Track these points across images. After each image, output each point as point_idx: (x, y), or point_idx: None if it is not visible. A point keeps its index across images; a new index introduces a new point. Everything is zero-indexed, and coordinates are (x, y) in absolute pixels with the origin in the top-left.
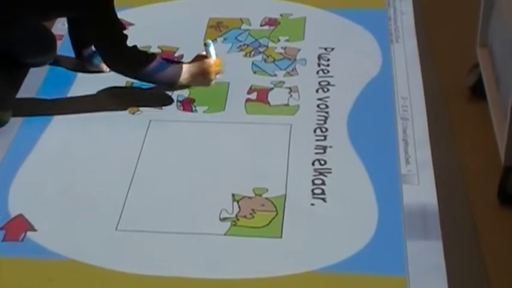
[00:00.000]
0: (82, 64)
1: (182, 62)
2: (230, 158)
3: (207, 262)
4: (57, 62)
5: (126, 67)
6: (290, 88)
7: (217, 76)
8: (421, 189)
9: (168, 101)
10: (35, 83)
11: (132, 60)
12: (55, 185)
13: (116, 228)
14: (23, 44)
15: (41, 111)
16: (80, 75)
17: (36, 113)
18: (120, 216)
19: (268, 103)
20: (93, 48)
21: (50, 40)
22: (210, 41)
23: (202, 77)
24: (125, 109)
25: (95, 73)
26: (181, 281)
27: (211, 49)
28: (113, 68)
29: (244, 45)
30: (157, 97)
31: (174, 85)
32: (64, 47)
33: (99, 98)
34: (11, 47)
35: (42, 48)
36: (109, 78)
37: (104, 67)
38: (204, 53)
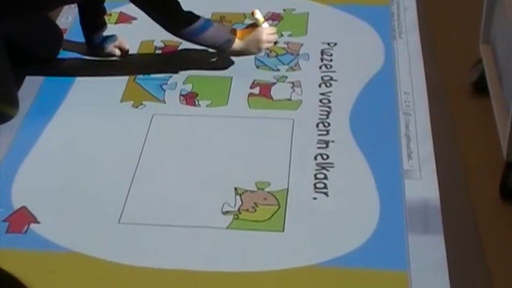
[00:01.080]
0: (93, 50)
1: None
2: (233, 152)
3: (209, 255)
4: (68, 48)
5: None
6: (293, 83)
7: (270, 45)
8: (423, 184)
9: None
10: (36, 78)
11: (185, 20)
12: (58, 177)
13: (119, 221)
14: (30, 37)
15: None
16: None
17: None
18: (123, 209)
19: (271, 98)
20: (103, 33)
21: (56, 33)
22: (256, 10)
23: (254, 42)
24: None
25: (106, 58)
26: (184, 273)
27: (259, 16)
28: (172, 32)
29: None
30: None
31: (227, 49)
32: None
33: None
34: (18, 40)
35: (49, 42)
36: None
37: (116, 51)
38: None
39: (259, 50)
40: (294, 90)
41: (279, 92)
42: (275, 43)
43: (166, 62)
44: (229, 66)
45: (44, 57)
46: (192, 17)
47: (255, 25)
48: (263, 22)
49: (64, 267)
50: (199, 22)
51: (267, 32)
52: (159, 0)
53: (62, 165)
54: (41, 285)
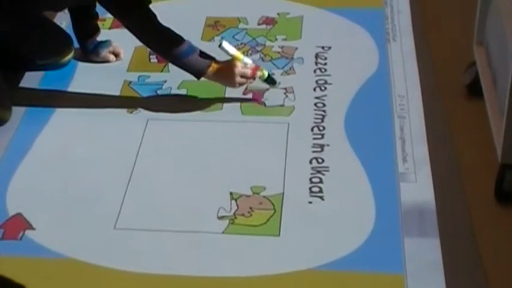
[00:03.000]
0: (87, 55)
1: (213, 58)
2: (228, 157)
3: (204, 260)
4: None
5: (158, 45)
6: (285, 89)
7: (244, 81)
8: (418, 187)
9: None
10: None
11: (164, 39)
12: (53, 183)
13: (114, 227)
14: (33, 42)
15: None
16: (78, 69)
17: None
18: (118, 214)
19: (264, 104)
20: (97, 39)
21: (64, 40)
22: (222, 40)
23: (226, 75)
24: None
25: (100, 63)
26: (179, 279)
27: (226, 47)
28: (147, 45)
29: (241, 44)
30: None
31: (202, 75)
32: None
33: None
34: (19, 45)
35: (55, 48)
36: (109, 72)
37: (111, 57)
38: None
39: (233, 85)
40: (286, 96)
41: (271, 98)
42: (272, 84)
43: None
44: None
45: (53, 63)
46: (179, 39)
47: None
48: (230, 50)
49: (60, 274)
50: (184, 46)
51: (241, 66)
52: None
53: (57, 171)
54: None
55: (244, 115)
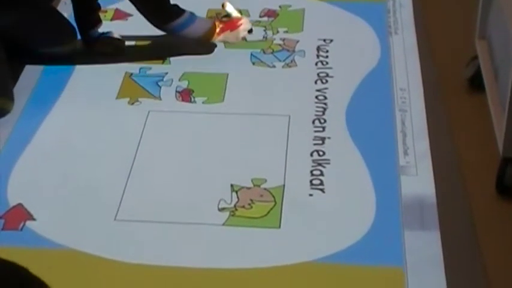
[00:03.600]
0: (89, 46)
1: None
2: (229, 149)
3: (205, 252)
4: None
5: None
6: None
7: (246, 34)
8: (419, 181)
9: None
10: (33, 74)
11: (171, 13)
12: (54, 174)
13: (115, 218)
14: (35, 32)
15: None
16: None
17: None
18: (119, 206)
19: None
20: (99, 30)
21: (68, 30)
22: (227, 2)
23: (232, 33)
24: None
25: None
26: (180, 270)
27: (229, 8)
28: (158, 25)
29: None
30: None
31: (208, 41)
32: None
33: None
34: (21, 34)
35: (58, 38)
36: (109, 68)
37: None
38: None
39: (237, 39)
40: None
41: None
42: (249, 31)
43: (151, 48)
44: (213, 50)
45: (57, 53)
46: (178, 10)
47: (228, 17)
48: (233, 11)
49: (60, 264)
50: (184, 16)
51: (241, 21)
52: None
53: (58, 162)
54: None
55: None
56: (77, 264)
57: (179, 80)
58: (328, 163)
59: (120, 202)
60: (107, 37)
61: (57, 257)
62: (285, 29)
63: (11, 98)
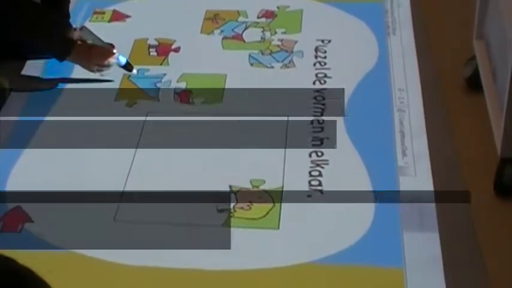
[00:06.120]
0: None
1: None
2: (227, 150)
3: (204, 253)
4: None
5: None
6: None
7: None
8: (417, 181)
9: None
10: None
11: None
12: (52, 176)
13: (114, 219)
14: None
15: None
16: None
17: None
18: (118, 206)
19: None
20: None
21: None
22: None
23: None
24: None
25: None
26: (179, 272)
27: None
28: None
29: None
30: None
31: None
32: None
33: None
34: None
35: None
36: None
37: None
38: None
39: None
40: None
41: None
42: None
43: None
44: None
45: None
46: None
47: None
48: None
49: (60, 267)
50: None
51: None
52: None
53: (56, 164)
54: None
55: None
56: (77, 266)
57: (177, 81)
58: (327, 164)
59: (119, 203)
60: None
61: (57, 259)
62: (283, 30)
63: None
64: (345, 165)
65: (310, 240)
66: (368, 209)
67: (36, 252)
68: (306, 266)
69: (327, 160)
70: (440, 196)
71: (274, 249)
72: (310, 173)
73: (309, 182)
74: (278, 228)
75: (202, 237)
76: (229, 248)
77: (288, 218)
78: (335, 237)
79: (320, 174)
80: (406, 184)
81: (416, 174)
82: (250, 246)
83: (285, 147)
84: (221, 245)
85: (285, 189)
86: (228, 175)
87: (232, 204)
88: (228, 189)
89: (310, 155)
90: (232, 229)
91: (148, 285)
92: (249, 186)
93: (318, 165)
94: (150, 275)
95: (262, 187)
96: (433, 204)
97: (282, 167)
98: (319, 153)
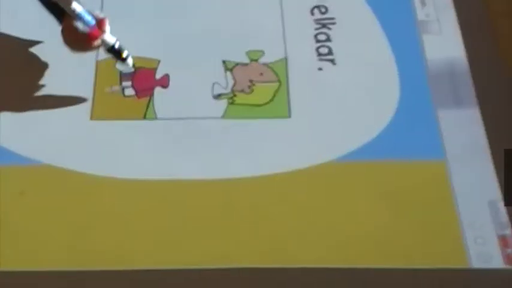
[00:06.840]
0: None
1: None
2: (218, 20)
3: (204, 158)
4: None
5: None
6: None
7: None
8: (444, 40)
9: None
10: None
11: None
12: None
13: (90, 118)
14: None
15: None
16: None
17: None
18: (93, 104)
19: None
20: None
21: None
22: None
23: None
24: None
25: None
26: (173, 183)
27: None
28: None
29: None
30: None
31: None
32: None
33: None
34: None
35: None
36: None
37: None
38: None
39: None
40: None
41: None
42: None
43: None
44: None
45: None
46: None
47: None
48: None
49: (38, 183)
50: None
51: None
52: None
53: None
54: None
55: None
56: (56, 181)
57: None
58: (334, 23)
59: (94, 100)
60: None
61: (32, 174)
62: None
63: None
64: (354, 23)
65: (331, 131)
66: (392, 81)
67: (7, 167)
68: (329, 165)
69: (333, 18)
70: (473, 58)
71: (288, 147)
72: (315, 36)
73: (317, 49)
74: (289, 116)
75: (200, 139)
76: (235, 151)
77: (299, 102)
78: (359, 123)
79: (328, 39)
80: (430, 45)
81: (442, 30)
82: (259, 147)
83: (281, 4)
84: (224, 147)
85: (289, 61)
86: (219, 48)
87: (230, 86)
88: (221, 65)
89: (312, 12)
90: (234, 121)
91: (136, 199)
92: (246, 59)
93: (323, 25)
94: (138, 188)
95: (262, 60)
96: (468, 71)
97: (281, 31)
98: (323, 9)
